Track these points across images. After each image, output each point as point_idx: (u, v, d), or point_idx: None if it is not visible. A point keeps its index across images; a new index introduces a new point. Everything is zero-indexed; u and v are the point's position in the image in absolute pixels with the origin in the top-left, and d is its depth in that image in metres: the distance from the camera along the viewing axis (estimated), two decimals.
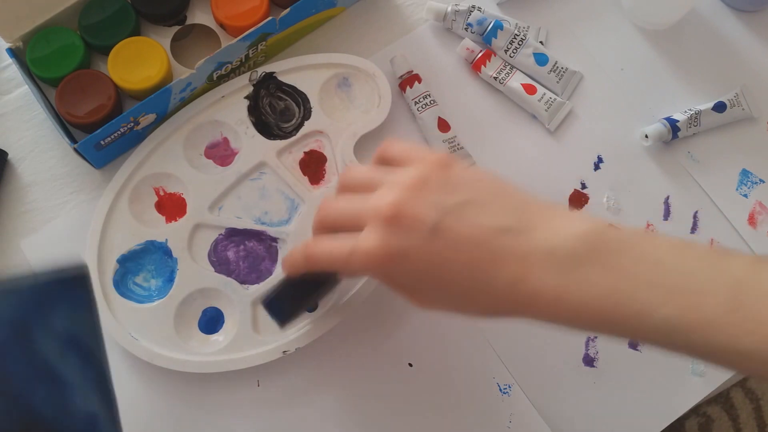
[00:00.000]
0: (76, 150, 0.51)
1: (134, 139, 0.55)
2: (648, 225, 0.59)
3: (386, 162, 0.42)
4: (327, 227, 0.42)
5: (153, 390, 0.52)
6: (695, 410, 1.02)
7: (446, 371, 0.54)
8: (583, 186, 0.60)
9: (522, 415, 0.54)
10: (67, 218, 0.55)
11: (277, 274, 0.54)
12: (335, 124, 0.56)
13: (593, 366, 0.56)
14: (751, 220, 0.61)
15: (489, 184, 0.39)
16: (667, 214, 0.60)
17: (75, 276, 0.35)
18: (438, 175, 0.38)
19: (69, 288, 0.35)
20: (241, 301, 0.52)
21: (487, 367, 0.55)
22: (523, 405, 0.54)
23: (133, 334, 0.51)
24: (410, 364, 0.54)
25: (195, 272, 0.53)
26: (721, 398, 1.04)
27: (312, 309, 0.52)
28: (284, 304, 0.47)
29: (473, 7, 0.61)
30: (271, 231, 0.54)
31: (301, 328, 0.52)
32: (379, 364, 0.54)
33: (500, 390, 0.54)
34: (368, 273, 0.42)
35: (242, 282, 0.53)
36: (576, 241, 0.36)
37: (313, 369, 0.53)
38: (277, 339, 0.52)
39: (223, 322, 0.53)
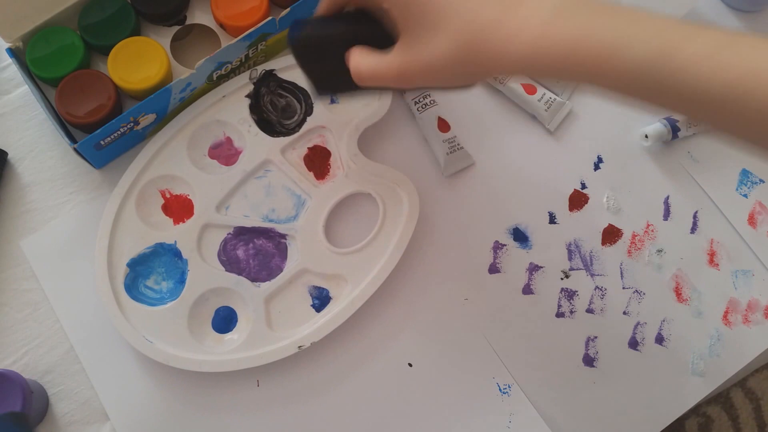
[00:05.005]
0: (75, 150, 0.51)
1: (134, 139, 0.55)
2: (648, 225, 0.59)
3: None
4: None
5: (161, 391, 0.52)
6: (695, 410, 1.02)
7: (446, 371, 0.54)
8: (583, 186, 0.60)
9: (522, 415, 0.54)
10: (67, 218, 0.55)
11: (288, 270, 0.53)
12: (337, 119, 0.56)
13: (593, 366, 0.56)
14: (751, 220, 0.61)
15: None
16: (667, 214, 0.60)
17: None
18: None
19: None
20: (253, 298, 0.52)
21: (487, 367, 0.55)
22: (523, 405, 0.54)
23: (148, 337, 0.51)
24: (410, 364, 0.54)
25: (206, 272, 0.53)
26: (720, 398, 1.04)
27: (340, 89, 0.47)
28: (312, 28, 0.42)
29: None
30: (280, 228, 0.54)
31: (314, 324, 0.52)
32: (378, 364, 0.54)
33: (500, 390, 0.54)
34: None
35: (253, 280, 0.53)
36: None
37: (313, 369, 0.53)
38: (292, 335, 0.52)
39: (236, 320, 0.53)
